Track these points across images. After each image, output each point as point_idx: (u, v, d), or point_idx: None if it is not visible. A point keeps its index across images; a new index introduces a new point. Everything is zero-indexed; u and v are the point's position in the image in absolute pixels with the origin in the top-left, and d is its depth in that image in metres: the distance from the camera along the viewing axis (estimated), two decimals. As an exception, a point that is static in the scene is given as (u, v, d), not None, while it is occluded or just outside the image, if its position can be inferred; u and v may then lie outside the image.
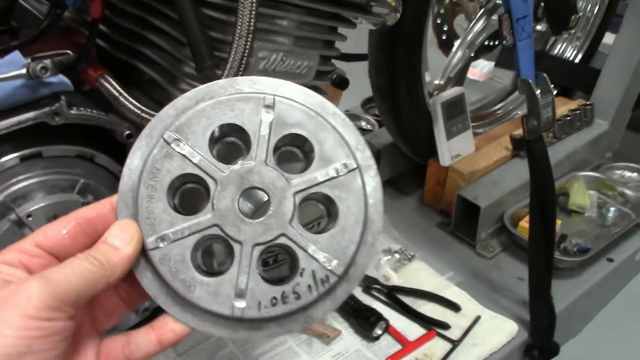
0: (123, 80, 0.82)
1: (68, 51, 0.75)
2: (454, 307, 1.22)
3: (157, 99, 0.86)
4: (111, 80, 0.80)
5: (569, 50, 1.77)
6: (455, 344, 1.14)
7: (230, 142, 0.62)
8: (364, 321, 1.16)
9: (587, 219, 1.46)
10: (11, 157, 0.74)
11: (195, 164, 0.57)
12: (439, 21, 1.60)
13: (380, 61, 1.31)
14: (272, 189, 0.59)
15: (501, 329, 1.18)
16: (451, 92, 1.41)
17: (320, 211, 0.64)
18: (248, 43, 0.71)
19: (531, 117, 1.08)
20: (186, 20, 0.71)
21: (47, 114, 0.72)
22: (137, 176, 0.57)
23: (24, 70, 0.70)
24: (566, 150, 1.51)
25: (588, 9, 1.74)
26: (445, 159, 1.40)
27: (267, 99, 0.59)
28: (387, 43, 1.27)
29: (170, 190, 0.57)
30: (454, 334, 1.16)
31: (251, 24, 0.70)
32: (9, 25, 0.96)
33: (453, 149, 1.40)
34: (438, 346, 1.14)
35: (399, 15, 0.95)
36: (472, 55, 1.55)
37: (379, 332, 1.15)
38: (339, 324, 1.18)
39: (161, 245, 0.56)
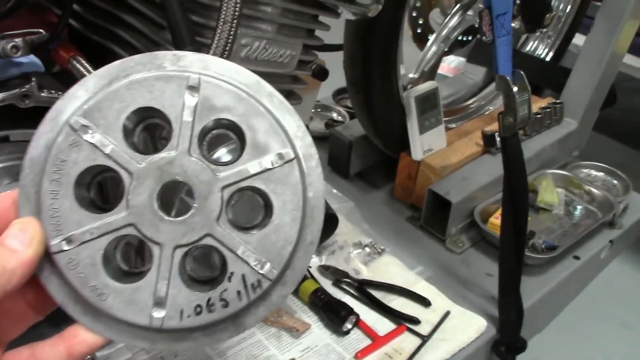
0: (96, 63, 0.79)
1: (40, 30, 0.71)
2: (424, 302, 1.21)
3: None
4: (83, 62, 0.77)
5: (540, 49, 1.78)
6: (425, 339, 1.14)
7: (154, 125, 0.55)
8: (334, 315, 1.14)
9: (554, 217, 1.47)
10: None
11: (106, 155, 0.51)
12: (414, 14, 1.59)
13: (356, 52, 1.30)
14: (196, 183, 0.52)
15: (470, 324, 1.18)
16: (425, 86, 1.40)
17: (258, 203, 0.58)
18: (232, 29, 0.68)
19: (507, 114, 1.08)
20: (168, 2, 0.68)
21: (16, 96, 0.68)
22: (40, 167, 0.51)
23: (-8, 49, 0.67)
24: (536, 147, 1.52)
25: (560, 8, 1.76)
26: (417, 153, 1.39)
27: (191, 78, 0.52)
28: (364, 34, 1.26)
29: (79, 185, 0.51)
30: (423, 329, 1.16)
31: (237, 9, 0.67)
32: (-28, 0, 0.91)
33: (425, 143, 1.40)
34: (408, 341, 1.14)
35: (380, 6, 0.94)
36: (446, 50, 1.55)
37: (349, 326, 1.14)
38: (309, 317, 1.17)
39: (67, 247, 0.50)
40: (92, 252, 0.51)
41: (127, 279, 0.53)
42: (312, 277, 1.23)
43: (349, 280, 1.24)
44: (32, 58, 0.71)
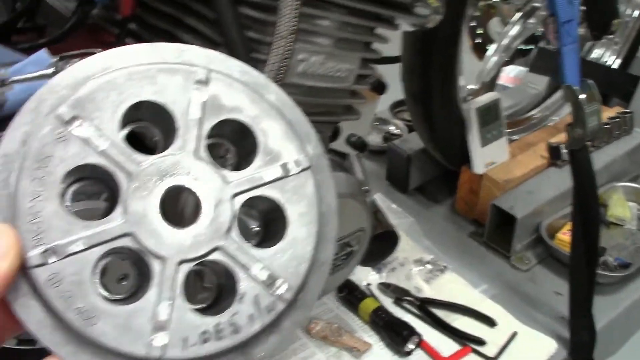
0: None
1: (99, 49, 0.71)
2: (489, 321, 1.17)
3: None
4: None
5: (606, 56, 1.71)
6: (491, 361, 1.09)
7: (140, 129, 0.48)
8: (396, 335, 1.11)
9: (626, 232, 1.40)
10: None
11: (101, 152, 0.43)
12: (473, 24, 1.55)
13: (415, 64, 1.27)
14: (205, 190, 0.45)
15: (539, 346, 1.13)
16: (486, 97, 1.36)
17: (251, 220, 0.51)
18: (289, 44, 0.66)
19: (576, 126, 1.03)
20: (223, 19, 0.66)
21: None
22: (17, 165, 0.42)
23: (51, 70, 0.66)
24: (605, 159, 1.45)
25: (627, 13, 1.68)
26: (479, 166, 1.35)
27: (199, 72, 0.46)
28: (423, 46, 1.23)
29: (62, 186, 0.43)
30: (489, 350, 1.11)
31: (293, 23, 0.65)
32: (34, 22, 0.92)
33: (487, 156, 1.35)
34: (473, 363, 1.09)
35: (439, 17, 0.90)
36: (507, 59, 1.50)
37: (412, 347, 1.11)
38: (369, 337, 1.14)
39: (50, 260, 0.42)
40: (80, 267, 0.42)
41: (117, 300, 0.46)
42: (373, 295, 1.20)
43: (410, 299, 1.21)
44: (90, 79, 0.70)
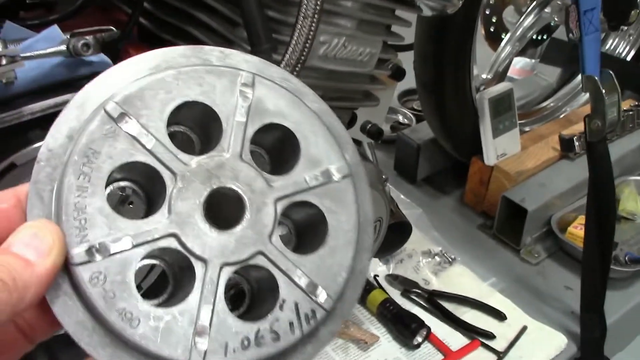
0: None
1: (111, 27, 0.68)
2: (499, 315, 1.15)
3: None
4: (154, 61, 0.73)
5: (620, 47, 1.68)
6: (500, 355, 1.08)
7: (180, 132, 0.47)
8: (404, 328, 1.09)
9: (637, 227, 1.38)
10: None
11: (148, 150, 0.43)
12: (487, 12, 1.52)
13: (428, 52, 1.24)
14: (249, 192, 0.45)
15: (549, 341, 1.11)
16: (499, 87, 1.33)
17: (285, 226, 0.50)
18: (313, 24, 0.63)
19: (595, 117, 1.00)
20: (243, -3, 0.64)
21: None
22: (63, 160, 0.42)
23: (63, 47, 0.63)
24: (617, 153, 1.43)
25: (642, 5, 1.65)
26: (490, 157, 1.33)
27: (244, 76, 0.46)
28: (437, 33, 1.20)
29: (107, 183, 0.42)
30: (499, 344, 1.09)
31: (318, 3, 0.63)
32: (43, -2, 0.90)
33: (499, 147, 1.33)
34: (482, 357, 1.08)
35: (460, 3, 0.88)
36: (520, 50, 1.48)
37: (420, 339, 1.09)
38: (377, 329, 1.12)
39: (95, 259, 0.40)
40: (124, 266, 0.41)
41: (158, 303, 0.45)
42: (380, 286, 1.18)
43: (418, 291, 1.19)
44: (103, 57, 0.68)
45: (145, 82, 0.44)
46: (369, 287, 1.16)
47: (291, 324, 0.45)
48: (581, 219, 1.28)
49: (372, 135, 0.87)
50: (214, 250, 0.43)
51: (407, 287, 1.19)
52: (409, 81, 1.39)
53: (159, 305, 0.43)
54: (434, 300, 1.17)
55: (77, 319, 0.41)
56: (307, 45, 0.64)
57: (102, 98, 0.43)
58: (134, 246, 0.42)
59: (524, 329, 1.13)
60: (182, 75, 0.44)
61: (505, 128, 1.34)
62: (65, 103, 0.61)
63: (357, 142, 0.88)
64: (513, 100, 1.34)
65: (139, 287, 0.44)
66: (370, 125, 0.87)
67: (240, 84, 0.46)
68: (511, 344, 1.10)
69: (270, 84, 0.47)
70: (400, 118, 1.70)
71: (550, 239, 1.32)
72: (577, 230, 1.27)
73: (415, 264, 1.26)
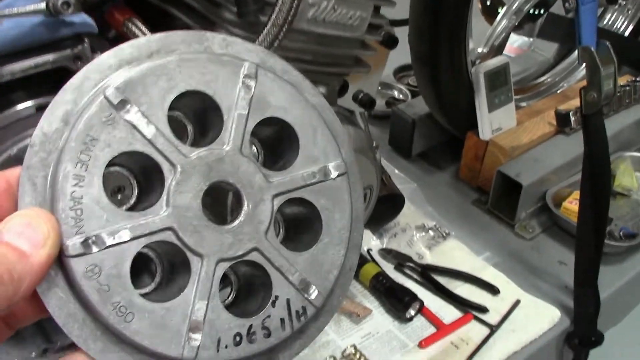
0: (153, 27, 0.74)
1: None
2: (492, 289, 1.14)
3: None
4: (140, 25, 0.72)
5: (618, 22, 1.66)
6: (493, 329, 1.07)
7: (173, 117, 0.46)
8: (397, 301, 1.09)
9: (633, 202, 1.37)
10: (27, 106, 0.65)
11: (148, 140, 0.41)
12: (484, -15, 1.51)
13: (423, 25, 1.23)
14: (247, 187, 0.44)
15: (542, 315, 1.11)
16: (495, 61, 1.32)
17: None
18: (301, -16, 0.62)
19: (591, 89, 0.99)
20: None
21: (68, 58, 0.62)
22: (58, 145, 0.40)
23: (42, 5, 0.61)
24: (613, 128, 1.42)
25: (641, -21, 1.63)
26: (485, 132, 1.31)
27: (247, 66, 0.45)
28: (433, 6, 1.18)
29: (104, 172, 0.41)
30: (492, 318, 1.09)
31: (306, -38, 0.61)
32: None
33: (494, 121, 1.32)
34: (475, 330, 1.07)
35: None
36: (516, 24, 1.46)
37: (413, 313, 1.08)
38: (369, 302, 1.12)
39: (91, 251, 0.39)
40: (120, 259, 0.40)
41: (153, 297, 0.44)
42: (374, 260, 1.17)
43: (411, 265, 1.18)
44: (84, 17, 0.65)
45: (147, 68, 0.42)
46: (362, 260, 1.15)
47: (282, 320, 0.45)
48: (576, 194, 1.27)
49: (364, 104, 0.86)
50: (211, 245, 0.43)
51: (401, 261, 1.19)
52: (405, 57, 1.38)
53: (155, 299, 0.42)
54: (427, 274, 1.16)
55: (68, 311, 0.40)
56: (294, 5, 0.62)
57: (100, 81, 0.42)
58: (131, 239, 0.40)
59: (517, 302, 1.12)
60: (185, 63, 0.43)
61: (501, 102, 1.32)
62: (46, 64, 0.60)
63: (349, 111, 0.86)
64: (509, 75, 1.33)
65: None
66: (362, 94, 0.85)
67: (243, 75, 0.45)
68: (504, 318, 1.09)
69: (272, 76, 0.46)
70: (396, 94, 1.69)
71: (545, 214, 1.32)
72: (571, 205, 1.26)
73: (409, 238, 1.25)
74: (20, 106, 0.65)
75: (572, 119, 1.36)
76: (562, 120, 1.37)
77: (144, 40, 0.44)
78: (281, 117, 0.46)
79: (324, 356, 1.01)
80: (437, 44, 1.24)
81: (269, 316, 0.44)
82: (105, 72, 0.42)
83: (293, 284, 0.45)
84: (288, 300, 0.45)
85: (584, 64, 0.99)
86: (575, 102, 1.41)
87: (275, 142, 0.48)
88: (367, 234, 1.23)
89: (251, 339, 0.44)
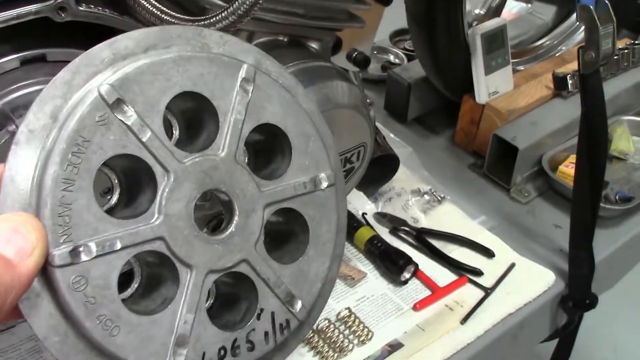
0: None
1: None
2: (487, 252, 1.14)
3: (184, 4, 0.73)
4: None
5: (617, -15, 1.63)
6: (488, 291, 1.07)
7: (164, 118, 0.43)
8: (392, 264, 1.08)
9: (629, 166, 1.36)
10: (10, 59, 0.62)
11: (143, 143, 0.39)
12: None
13: (419, -16, 1.20)
14: (240, 196, 0.43)
15: (537, 277, 1.11)
16: (492, 23, 1.30)
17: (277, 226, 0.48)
18: None
19: (589, 49, 0.97)
20: None
21: (51, 8, 0.60)
22: (46, 145, 0.37)
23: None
24: (611, 92, 1.40)
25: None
26: (482, 95, 1.30)
27: (246, 69, 0.43)
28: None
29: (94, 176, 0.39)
30: (487, 281, 1.09)
31: None
32: None
33: (491, 85, 1.31)
34: (470, 293, 1.07)
35: None
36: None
37: (407, 276, 1.08)
38: (364, 266, 1.11)
39: (78, 260, 0.37)
40: (108, 270, 0.38)
41: (137, 305, 0.42)
42: (368, 224, 1.17)
43: (406, 229, 1.18)
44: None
45: (144, 65, 0.40)
46: (357, 224, 1.14)
47: (266, 334, 0.44)
48: (572, 158, 1.26)
49: (358, 63, 0.84)
50: (201, 256, 0.41)
51: (396, 225, 1.18)
52: (401, 21, 1.35)
53: (139, 312, 0.41)
54: (422, 238, 1.16)
55: (49, 323, 0.38)
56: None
57: (93, 75, 0.39)
58: (120, 249, 0.39)
59: (512, 266, 1.12)
60: (183, 62, 0.41)
61: (498, 65, 1.31)
62: (29, 14, 0.58)
63: (344, 71, 0.85)
64: (506, 37, 1.31)
65: None
66: (356, 53, 0.84)
67: (241, 78, 0.43)
68: (499, 281, 1.09)
69: (268, 80, 0.44)
70: (392, 58, 1.67)
71: (541, 178, 1.31)
72: (568, 169, 1.26)
73: (404, 202, 1.24)
74: (3, 60, 0.63)
75: (570, 82, 1.34)
76: (560, 83, 1.36)
77: (142, 33, 0.41)
78: (277, 124, 0.44)
79: (319, 319, 1.00)
80: (433, 4, 1.22)
81: (253, 329, 0.44)
82: (99, 66, 0.39)
83: (279, 297, 0.44)
84: (273, 314, 0.44)
85: (583, 25, 0.97)
86: (573, 66, 1.39)
87: (265, 147, 0.47)
88: (362, 197, 1.22)
89: (235, 353, 0.43)
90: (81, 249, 0.37)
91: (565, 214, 1.23)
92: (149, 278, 0.44)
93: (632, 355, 1.94)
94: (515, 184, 1.29)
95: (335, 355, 0.95)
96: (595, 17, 0.95)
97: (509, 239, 1.17)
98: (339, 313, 1.02)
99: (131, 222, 0.39)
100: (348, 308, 1.02)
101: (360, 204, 1.21)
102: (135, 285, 0.44)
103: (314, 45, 0.76)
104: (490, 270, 1.11)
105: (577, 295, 1.11)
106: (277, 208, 0.45)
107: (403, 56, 1.65)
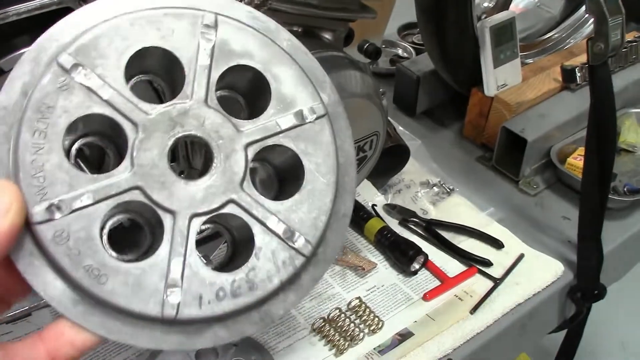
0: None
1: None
2: (496, 243, 1.15)
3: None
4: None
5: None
6: (497, 282, 1.08)
7: (148, 80, 0.46)
8: (402, 255, 1.09)
9: (637, 159, 1.37)
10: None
11: (105, 101, 0.41)
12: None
13: (428, -22, 1.21)
14: (216, 139, 0.43)
15: (546, 268, 1.11)
16: (501, 15, 1.30)
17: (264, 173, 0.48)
18: None
19: (598, 40, 0.98)
20: None
21: None
22: (17, 117, 0.40)
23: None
24: (619, 85, 1.40)
25: None
26: (490, 88, 1.31)
27: (206, 16, 0.43)
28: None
29: (66, 139, 0.41)
30: (496, 271, 1.10)
31: None
32: None
33: (499, 77, 1.31)
34: (479, 284, 1.08)
35: None
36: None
37: (417, 266, 1.09)
38: (374, 256, 1.12)
39: (56, 216, 0.39)
40: (88, 223, 0.40)
41: (125, 253, 0.44)
42: (378, 215, 1.18)
43: (416, 220, 1.18)
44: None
45: (99, 30, 0.42)
46: (367, 215, 1.15)
47: (268, 272, 0.44)
48: (580, 150, 1.27)
49: (369, 54, 0.85)
50: (182, 201, 0.42)
51: (405, 216, 1.19)
52: (409, 15, 1.36)
53: (128, 260, 0.42)
54: (431, 229, 1.17)
55: (44, 278, 0.40)
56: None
57: (56, 50, 0.41)
58: (96, 201, 0.40)
59: (521, 256, 1.13)
60: (139, 20, 0.42)
61: (507, 58, 1.31)
62: (52, 4, 0.59)
63: (357, 60, 0.86)
64: (515, 30, 1.31)
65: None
66: (367, 44, 0.85)
67: (202, 26, 0.43)
68: (508, 271, 1.10)
69: (236, 24, 0.44)
70: (400, 52, 1.67)
71: (549, 170, 1.32)
72: (576, 161, 1.26)
73: (414, 194, 1.25)
74: (24, 51, 0.64)
75: (578, 74, 1.35)
76: (568, 75, 1.36)
77: (101, 4, 0.43)
78: (247, 64, 0.44)
79: (329, 308, 1.02)
80: (443, -3, 1.22)
81: (253, 269, 0.43)
82: (62, 40, 0.42)
83: (276, 233, 0.44)
84: (273, 251, 0.44)
85: (592, 17, 0.98)
86: (581, 59, 1.40)
87: (254, 92, 0.47)
88: (372, 189, 1.23)
89: (236, 293, 0.43)
90: (57, 205, 0.39)
91: (573, 206, 1.24)
92: (136, 228, 0.45)
93: (639, 348, 1.95)
94: (523, 176, 1.30)
95: (346, 343, 0.96)
96: (605, 9, 0.96)
97: (518, 231, 1.18)
98: (350, 302, 1.03)
99: (106, 175, 0.41)
100: (359, 298, 1.03)
101: (369, 195, 1.22)
102: (147, 242, 0.45)
103: (327, 35, 0.77)
104: (499, 261, 1.12)
105: (585, 286, 1.12)
106: (262, 146, 0.45)
107: (411, 50, 1.66)
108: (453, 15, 1.24)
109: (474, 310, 1.03)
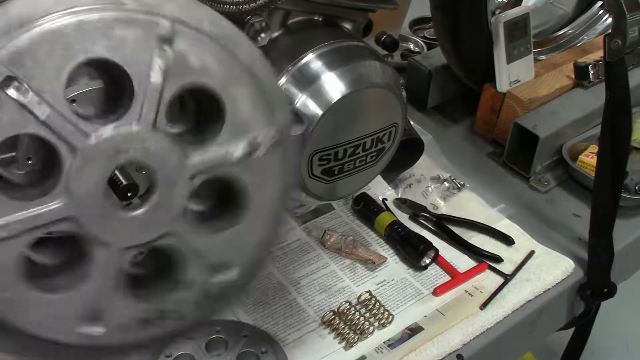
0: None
1: None
2: (507, 240, 1.14)
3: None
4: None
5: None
6: (507, 278, 1.08)
7: (92, 90, 0.41)
8: (412, 249, 1.09)
9: (649, 157, 1.36)
10: None
11: (42, 122, 0.36)
12: None
13: (443, -29, 1.20)
14: (161, 168, 0.39)
15: (556, 265, 1.11)
16: (515, 11, 1.29)
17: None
18: None
19: (615, 36, 0.97)
20: None
21: None
22: None
23: None
24: (632, 82, 1.37)
25: None
26: (503, 83, 1.30)
27: (162, 25, 0.38)
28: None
29: None
30: (506, 267, 1.10)
31: None
32: None
33: (512, 73, 1.30)
34: (489, 279, 1.08)
35: None
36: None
37: (427, 261, 1.09)
38: (384, 250, 1.12)
39: None
40: (7, 254, 0.37)
41: (48, 283, 0.40)
42: (389, 209, 1.17)
43: (426, 215, 1.18)
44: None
45: (39, 34, 0.35)
46: (378, 209, 1.15)
47: (197, 302, 0.42)
48: (592, 148, 1.26)
49: (387, 46, 0.85)
50: (117, 233, 0.39)
51: (416, 210, 1.19)
52: (421, 9, 1.35)
53: (49, 289, 0.39)
54: (442, 224, 1.17)
55: None
56: None
57: None
58: (21, 232, 0.36)
59: (532, 253, 1.13)
60: (85, 25, 0.36)
61: (520, 54, 1.30)
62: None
63: (377, 51, 0.85)
64: (529, 25, 1.30)
65: None
66: (385, 36, 0.84)
67: (157, 37, 0.38)
68: (518, 268, 1.10)
69: (194, 35, 0.39)
70: (412, 46, 1.67)
71: (561, 167, 1.31)
72: (588, 159, 1.25)
73: (424, 189, 1.25)
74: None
75: (591, 72, 1.34)
76: (581, 73, 1.35)
77: None
78: (204, 84, 0.40)
79: (339, 301, 1.02)
80: (457, -9, 1.22)
81: (181, 299, 0.42)
82: None
83: (210, 265, 0.42)
84: (204, 282, 0.42)
85: (610, 12, 0.97)
86: (594, 56, 1.39)
87: (206, 104, 0.43)
88: (382, 183, 1.23)
89: (160, 324, 0.41)
90: None
91: (584, 204, 1.23)
92: (68, 255, 0.43)
93: (643, 348, 1.94)
94: (534, 172, 1.29)
95: (356, 337, 0.96)
96: (623, 5, 0.95)
97: (528, 227, 1.18)
98: (360, 296, 1.03)
99: (35, 203, 0.37)
100: (369, 291, 1.03)
101: (380, 189, 1.22)
102: (54, 262, 0.43)
103: (347, 25, 0.76)
104: (510, 257, 1.11)
105: (595, 284, 1.12)
106: (209, 176, 0.41)
107: (423, 44, 1.65)
108: (467, 10, 1.23)
109: (483, 306, 1.03)
